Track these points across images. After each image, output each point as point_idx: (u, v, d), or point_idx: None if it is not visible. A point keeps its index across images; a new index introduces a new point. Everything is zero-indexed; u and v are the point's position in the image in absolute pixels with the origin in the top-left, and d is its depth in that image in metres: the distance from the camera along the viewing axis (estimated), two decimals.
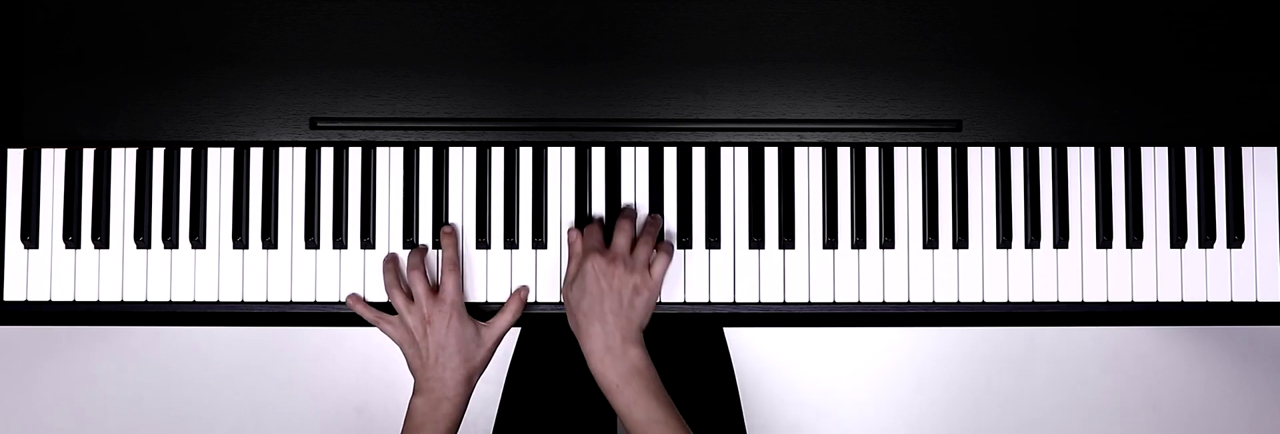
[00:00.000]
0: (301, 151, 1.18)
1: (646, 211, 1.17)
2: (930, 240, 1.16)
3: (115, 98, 1.17)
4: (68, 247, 1.17)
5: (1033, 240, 1.16)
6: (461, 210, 1.17)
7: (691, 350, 1.28)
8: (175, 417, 1.86)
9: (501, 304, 1.16)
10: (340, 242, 1.17)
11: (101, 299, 1.17)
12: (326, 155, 1.18)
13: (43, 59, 1.16)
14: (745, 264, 1.17)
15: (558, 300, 1.17)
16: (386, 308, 1.15)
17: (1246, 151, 1.18)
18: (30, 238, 1.17)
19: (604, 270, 1.07)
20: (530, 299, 1.17)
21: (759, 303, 1.16)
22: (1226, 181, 1.17)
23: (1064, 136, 1.17)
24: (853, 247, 1.17)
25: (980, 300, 1.16)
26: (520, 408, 1.25)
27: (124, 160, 1.18)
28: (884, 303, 1.16)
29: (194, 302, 1.17)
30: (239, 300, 1.17)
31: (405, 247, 1.17)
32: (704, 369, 1.28)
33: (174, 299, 1.17)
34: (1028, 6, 1.16)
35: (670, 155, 1.17)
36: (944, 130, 1.17)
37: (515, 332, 1.32)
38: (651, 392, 1.04)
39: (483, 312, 1.16)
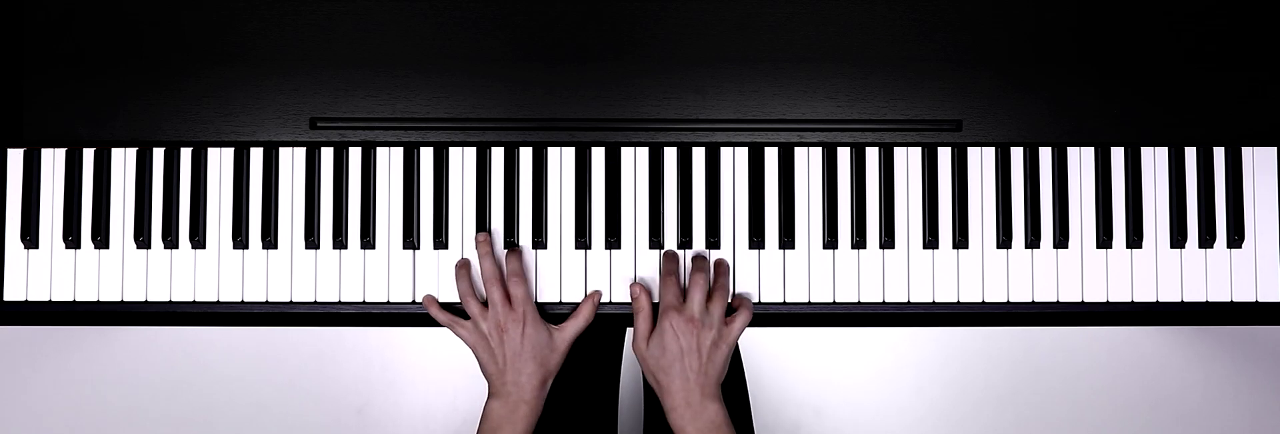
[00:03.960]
0: (301, 151, 1.18)
1: (648, 212, 1.17)
2: (930, 240, 1.16)
3: (115, 98, 1.17)
4: (68, 247, 1.17)
5: (1033, 240, 1.16)
6: (461, 210, 1.17)
7: None
8: (175, 417, 1.86)
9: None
10: (340, 242, 1.17)
11: (101, 299, 1.17)
12: (326, 155, 1.18)
13: (43, 59, 1.16)
14: (745, 264, 1.17)
15: (557, 300, 1.17)
16: (458, 311, 1.16)
17: (1246, 151, 1.18)
18: (30, 238, 1.17)
19: (683, 329, 1.08)
20: (537, 300, 1.17)
21: (759, 303, 1.16)
22: (1226, 182, 1.17)
23: (1064, 136, 1.17)
24: (853, 247, 1.17)
25: (980, 300, 1.16)
26: None
27: (124, 160, 1.18)
28: (884, 303, 1.16)
29: (194, 302, 1.17)
30: (239, 300, 1.17)
31: (405, 247, 1.17)
32: None
33: (174, 299, 1.17)
34: (1028, 6, 1.16)
35: (670, 155, 1.17)
36: (944, 130, 1.17)
37: None
38: None
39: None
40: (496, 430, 1.09)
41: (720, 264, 1.15)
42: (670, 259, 1.14)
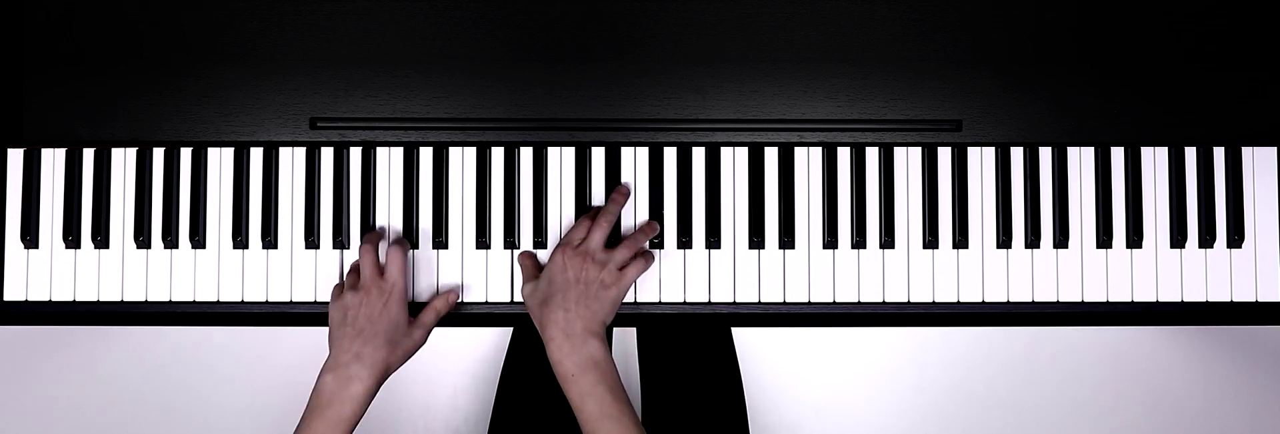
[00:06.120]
0: (301, 151, 1.18)
1: (648, 212, 1.17)
2: (930, 240, 1.16)
3: (115, 98, 1.17)
4: (68, 247, 1.17)
5: (1033, 240, 1.16)
6: (461, 210, 1.17)
7: (699, 350, 1.28)
8: (174, 416, 1.86)
9: (498, 304, 1.16)
10: (340, 241, 1.17)
11: (101, 299, 1.17)
12: (326, 155, 1.18)
13: (43, 59, 1.16)
14: (745, 264, 1.17)
15: None
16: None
17: (1246, 151, 1.18)
18: (30, 238, 1.17)
19: (572, 262, 1.07)
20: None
21: (759, 303, 1.16)
22: (1226, 182, 1.17)
23: (1064, 136, 1.17)
24: (853, 247, 1.17)
25: (980, 300, 1.16)
26: (514, 407, 1.25)
27: (124, 160, 1.18)
28: (884, 303, 1.16)
29: (194, 302, 1.17)
30: (239, 300, 1.17)
31: None
32: (710, 369, 1.28)
33: (174, 299, 1.17)
34: (1028, 6, 1.16)
35: (670, 155, 1.18)
36: (944, 130, 1.17)
37: (507, 331, 1.32)
38: (607, 385, 1.02)
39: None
40: (326, 408, 1.03)
41: (648, 222, 1.15)
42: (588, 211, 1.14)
